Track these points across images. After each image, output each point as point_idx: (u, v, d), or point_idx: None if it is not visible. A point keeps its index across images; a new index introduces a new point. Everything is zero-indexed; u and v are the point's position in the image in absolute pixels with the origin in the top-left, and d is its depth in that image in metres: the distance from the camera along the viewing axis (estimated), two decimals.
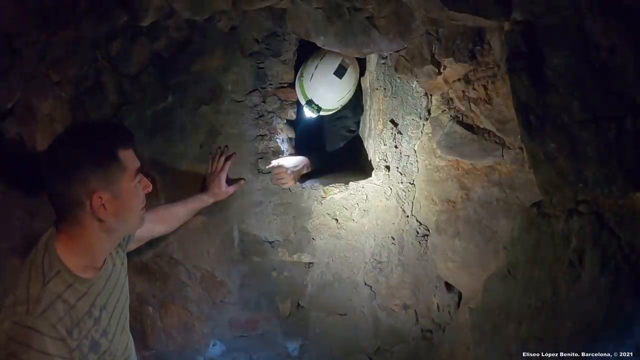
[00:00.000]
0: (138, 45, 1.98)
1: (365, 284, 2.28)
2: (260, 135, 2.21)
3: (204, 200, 2.11)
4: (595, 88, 1.47)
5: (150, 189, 1.47)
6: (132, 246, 1.75)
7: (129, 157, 1.38)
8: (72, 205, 1.33)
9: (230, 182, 2.17)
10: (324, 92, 2.29)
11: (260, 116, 2.20)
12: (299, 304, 2.36)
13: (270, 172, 2.23)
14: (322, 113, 2.39)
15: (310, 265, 2.29)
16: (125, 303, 1.57)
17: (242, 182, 2.20)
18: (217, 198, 2.13)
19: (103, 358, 1.41)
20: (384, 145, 2.16)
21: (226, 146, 2.17)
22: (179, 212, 2.05)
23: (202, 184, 2.17)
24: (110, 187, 1.34)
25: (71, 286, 1.34)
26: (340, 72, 2.27)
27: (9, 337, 1.22)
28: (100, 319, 1.40)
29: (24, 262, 1.37)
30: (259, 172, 2.23)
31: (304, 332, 2.40)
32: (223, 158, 2.16)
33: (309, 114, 2.38)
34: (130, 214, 1.41)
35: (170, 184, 2.19)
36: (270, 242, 2.28)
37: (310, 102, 2.31)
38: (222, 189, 2.13)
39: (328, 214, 2.23)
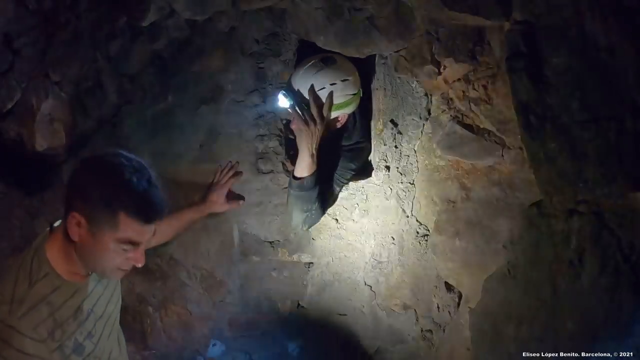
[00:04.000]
0: (138, 45, 1.97)
1: (365, 284, 2.28)
2: (260, 135, 2.21)
3: (201, 210, 2.10)
4: (595, 88, 1.47)
5: (139, 265, 1.35)
6: None
7: (130, 226, 1.27)
8: (65, 212, 1.31)
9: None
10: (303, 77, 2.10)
11: (260, 116, 2.20)
12: (299, 304, 2.36)
13: (271, 171, 2.22)
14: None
15: (310, 265, 2.29)
16: (116, 307, 1.56)
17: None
18: (213, 211, 2.12)
19: None
20: (384, 145, 2.16)
21: (237, 162, 2.16)
22: (175, 223, 2.03)
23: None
24: (93, 222, 1.27)
25: (58, 289, 1.33)
26: (327, 61, 2.09)
27: None
28: (86, 321, 1.40)
29: (12, 262, 1.37)
30: (259, 172, 2.23)
31: (304, 332, 2.40)
32: (230, 173, 2.15)
33: (282, 101, 2.11)
34: (93, 258, 1.32)
35: (170, 183, 2.18)
36: (270, 242, 2.28)
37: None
38: (220, 204, 2.11)
39: (328, 214, 2.23)
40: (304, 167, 2.07)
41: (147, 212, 1.28)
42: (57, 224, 1.40)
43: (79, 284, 1.39)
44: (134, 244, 1.30)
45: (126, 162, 1.29)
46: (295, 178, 2.08)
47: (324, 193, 2.16)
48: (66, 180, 1.33)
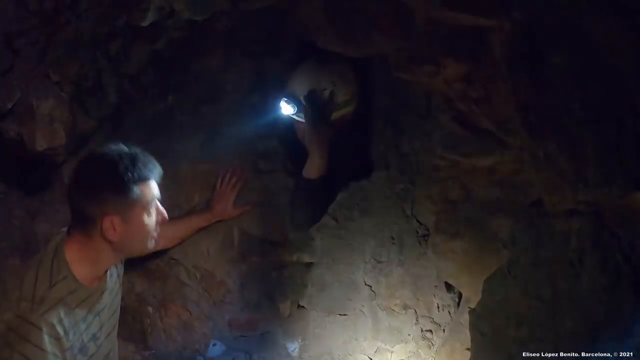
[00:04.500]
0: (138, 45, 1.97)
1: (365, 284, 2.28)
2: (260, 135, 2.20)
3: (208, 219, 2.14)
4: (595, 88, 1.47)
5: (166, 219, 1.54)
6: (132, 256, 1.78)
7: (146, 189, 1.46)
8: (87, 220, 1.42)
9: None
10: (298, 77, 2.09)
11: (260, 116, 2.20)
12: (299, 304, 2.36)
13: (271, 171, 2.22)
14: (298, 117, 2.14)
15: (310, 265, 2.29)
16: (116, 311, 1.64)
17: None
18: (221, 218, 2.15)
19: None
20: (384, 145, 2.16)
21: (238, 166, 2.17)
22: (180, 229, 2.09)
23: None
24: (123, 213, 1.42)
25: (74, 292, 1.41)
26: (322, 61, 2.08)
27: (9, 327, 1.31)
28: (92, 324, 1.49)
29: (30, 261, 1.46)
30: (259, 172, 2.22)
31: (304, 332, 2.40)
32: (233, 180, 2.16)
33: (285, 109, 2.11)
34: (137, 239, 1.48)
35: (171, 184, 2.18)
36: (270, 242, 2.27)
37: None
38: (228, 211, 2.15)
39: (328, 214, 2.23)
40: (314, 169, 2.07)
41: (151, 169, 1.48)
42: (72, 227, 1.47)
43: (91, 289, 1.47)
44: (153, 203, 1.48)
45: (107, 151, 1.46)
46: (304, 179, 2.08)
47: (328, 193, 2.16)
48: (72, 200, 1.45)
